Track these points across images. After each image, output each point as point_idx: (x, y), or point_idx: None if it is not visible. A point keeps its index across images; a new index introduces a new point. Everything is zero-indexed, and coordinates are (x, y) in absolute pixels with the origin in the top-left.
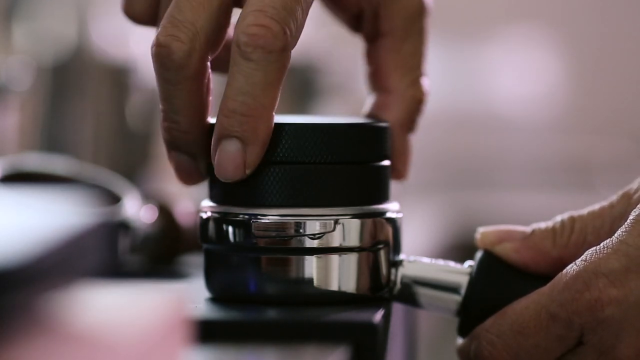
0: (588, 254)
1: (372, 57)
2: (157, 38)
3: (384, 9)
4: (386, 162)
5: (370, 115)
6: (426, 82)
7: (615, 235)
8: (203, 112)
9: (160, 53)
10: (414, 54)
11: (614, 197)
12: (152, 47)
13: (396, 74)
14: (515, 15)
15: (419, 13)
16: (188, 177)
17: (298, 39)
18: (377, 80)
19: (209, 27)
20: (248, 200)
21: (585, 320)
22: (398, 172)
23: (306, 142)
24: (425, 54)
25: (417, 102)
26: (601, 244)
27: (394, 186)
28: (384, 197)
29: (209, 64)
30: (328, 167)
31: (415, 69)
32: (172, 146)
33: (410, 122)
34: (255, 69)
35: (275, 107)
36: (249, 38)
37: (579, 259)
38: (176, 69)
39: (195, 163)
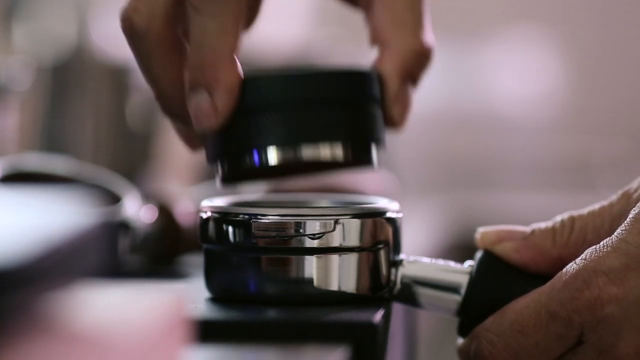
0: (588, 252)
1: (370, 20)
2: (121, 12)
3: None
4: (369, 106)
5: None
6: (429, 37)
7: (615, 233)
8: (182, 77)
9: (125, 27)
10: (409, 9)
11: (613, 197)
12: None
13: (391, 27)
14: (515, 15)
15: None
16: (189, 142)
17: None
18: (374, 36)
19: None
20: (242, 144)
21: (585, 319)
22: (393, 119)
23: (286, 87)
24: (422, 9)
25: (415, 52)
26: (601, 243)
27: (394, 186)
28: (372, 139)
29: (179, 31)
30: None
31: (411, 22)
32: (166, 113)
33: (407, 71)
34: (206, 20)
35: (235, 51)
36: None
37: (579, 258)
38: (139, 38)
39: (189, 127)
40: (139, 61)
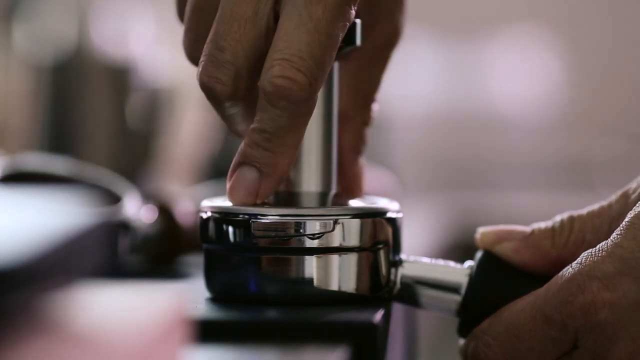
0: (583, 256)
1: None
2: (200, 78)
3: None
4: None
5: None
6: (376, 107)
7: (611, 237)
8: None
9: (206, 92)
10: (371, 83)
11: (613, 197)
12: (198, 80)
13: (349, 99)
14: (515, 15)
15: (391, 42)
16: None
17: (325, 80)
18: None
19: (249, 62)
20: None
21: (579, 323)
22: (354, 195)
23: None
24: (382, 81)
25: (365, 126)
26: (597, 247)
27: (394, 186)
28: None
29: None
30: None
31: (368, 95)
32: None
33: (359, 145)
34: (280, 115)
35: (299, 145)
36: (274, 89)
37: (575, 262)
38: (223, 103)
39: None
40: (222, 116)
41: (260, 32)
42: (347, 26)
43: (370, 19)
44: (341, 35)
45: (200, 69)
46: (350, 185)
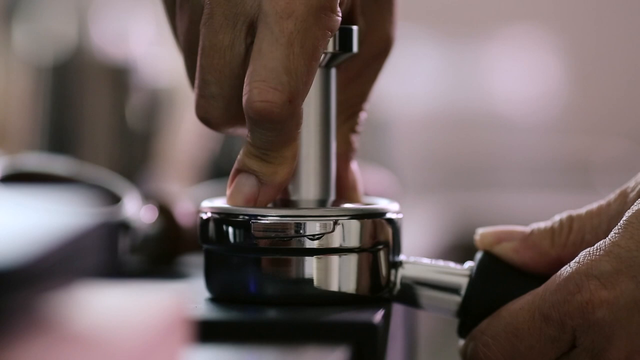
0: (581, 255)
1: None
2: (196, 112)
3: None
4: None
5: None
6: (364, 115)
7: (609, 236)
8: None
9: (204, 124)
10: (359, 95)
11: (611, 196)
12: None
13: (336, 110)
14: (515, 15)
15: (382, 54)
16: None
17: (308, 91)
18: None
19: (235, 90)
20: None
21: (577, 322)
22: (352, 201)
23: None
24: (371, 92)
25: (353, 133)
26: (595, 246)
27: (394, 186)
28: None
29: None
30: None
31: (356, 106)
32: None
33: (349, 152)
34: (269, 134)
35: (297, 153)
36: (255, 113)
37: (573, 261)
38: (217, 129)
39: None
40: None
41: (241, 59)
42: (329, 34)
43: (359, 30)
44: (321, 44)
45: (194, 103)
46: (347, 192)
